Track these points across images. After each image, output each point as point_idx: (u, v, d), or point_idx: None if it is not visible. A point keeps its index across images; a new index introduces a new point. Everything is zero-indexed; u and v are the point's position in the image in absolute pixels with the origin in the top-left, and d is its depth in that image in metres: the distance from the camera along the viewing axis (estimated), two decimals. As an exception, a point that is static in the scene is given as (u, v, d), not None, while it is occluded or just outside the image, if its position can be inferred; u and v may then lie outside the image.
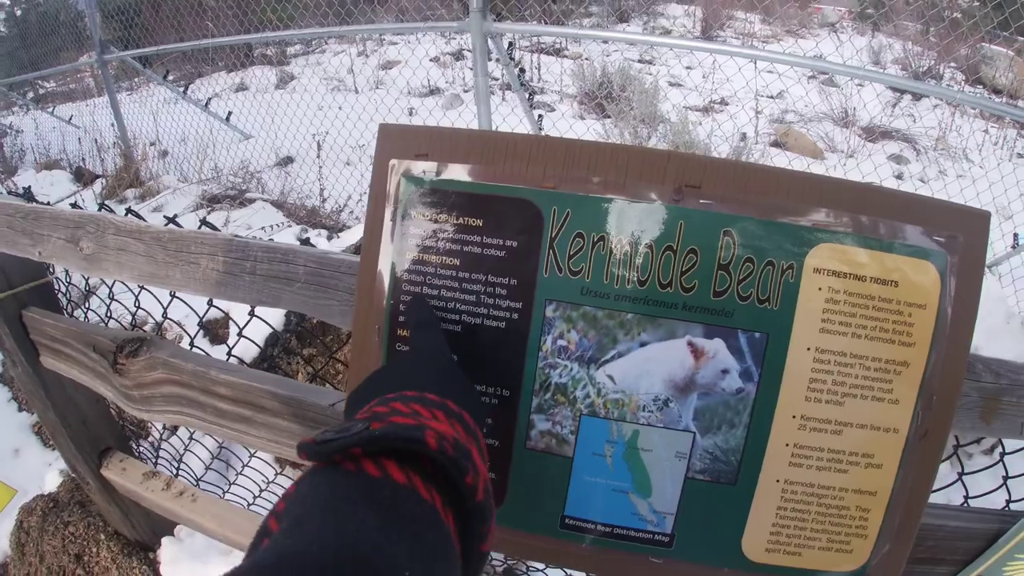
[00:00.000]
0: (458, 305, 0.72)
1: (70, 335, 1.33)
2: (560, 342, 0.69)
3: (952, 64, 5.89)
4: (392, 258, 0.75)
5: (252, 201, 3.87)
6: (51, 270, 1.56)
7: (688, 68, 6.47)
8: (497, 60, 3.27)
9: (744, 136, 4.52)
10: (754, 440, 0.66)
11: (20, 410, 2.60)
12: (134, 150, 4.99)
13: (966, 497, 1.04)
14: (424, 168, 0.74)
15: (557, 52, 6.91)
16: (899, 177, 4.41)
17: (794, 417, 0.66)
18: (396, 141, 0.76)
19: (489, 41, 2.97)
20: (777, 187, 0.64)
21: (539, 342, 0.69)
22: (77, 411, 1.58)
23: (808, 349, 0.64)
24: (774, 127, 5.02)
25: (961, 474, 1.05)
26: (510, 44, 3.35)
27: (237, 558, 1.67)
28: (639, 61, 6.69)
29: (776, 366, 0.65)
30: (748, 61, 3.74)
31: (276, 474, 1.83)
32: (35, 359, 1.45)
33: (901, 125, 5.11)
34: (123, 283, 1.47)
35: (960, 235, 0.65)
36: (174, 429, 2.15)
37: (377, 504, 0.42)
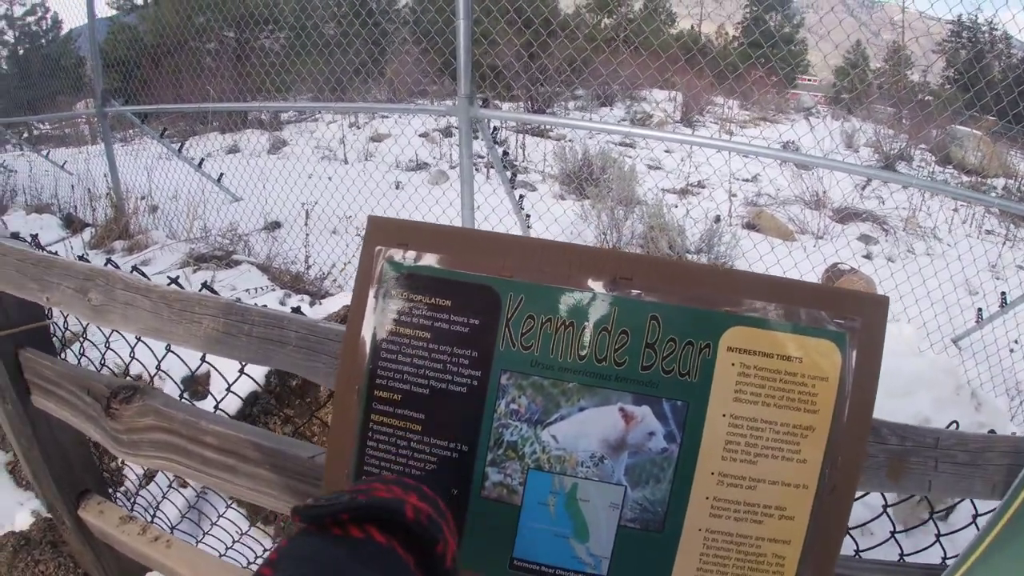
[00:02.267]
0: (427, 372, 0.84)
1: (65, 378, 1.43)
2: (512, 406, 0.81)
3: (922, 146, 6.25)
4: (373, 328, 0.88)
5: (238, 263, 4.00)
6: (49, 314, 1.66)
7: (667, 152, 6.84)
8: (483, 141, 3.49)
9: (718, 218, 4.77)
10: (677, 493, 0.77)
11: (-5, 449, 2.65)
12: (125, 203, 5.14)
13: (901, 555, 1.15)
14: (404, 255, 0.88)
15: (542, 133, 7.26)
16: (867, 256, 4.64)
17: (712, 474, 0.77)
18: (382, 231, 0.90)
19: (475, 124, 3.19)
20: (697, 280, 0.78)
21: (494, 405, 0.81)
22: (60, 451, 1.66)
23: (724, 415, 0.76)
24: (747, 209, 5.30)
25: (893, 532, 1.16)
26: (495, 128, 3.58)
27: (207, 611, 1.72)
28: (620, 144, 7.06)
29: (696, 429, 0.77)
30: (728, 152, 4.01)
31: (250, 526, 1.88)
32: (26, 397, 1.54)
33: (871, 206, 5.41)
34: (118, 332, 1.57)
35: (859, 318, 0.77)
36: (150, 477, 2.20)
37: (361, 558, 0.52)
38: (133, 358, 1.62)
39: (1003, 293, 3.53)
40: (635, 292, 0.78)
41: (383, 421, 0.87)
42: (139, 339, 1.48)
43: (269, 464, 1.14)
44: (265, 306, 1.14)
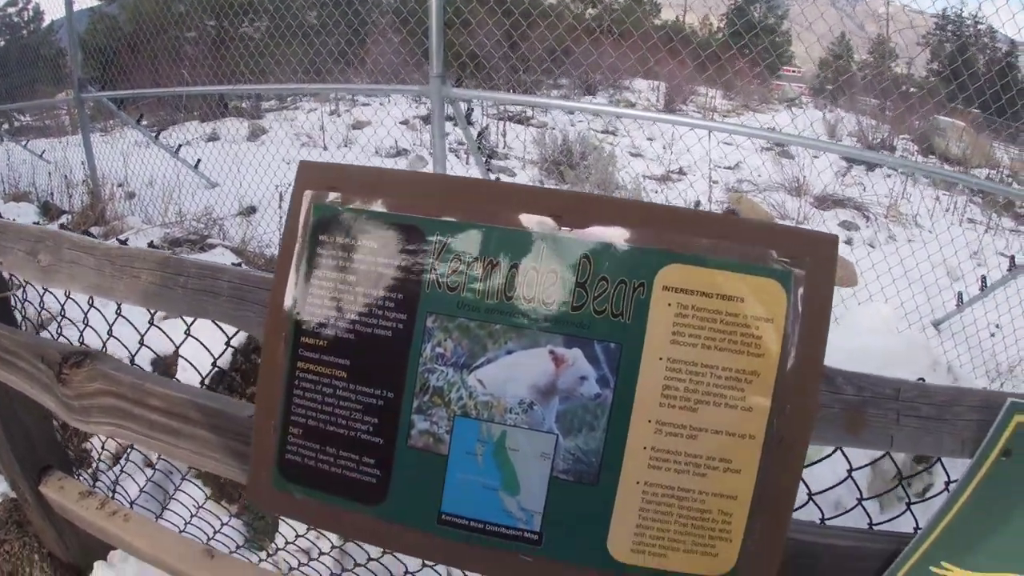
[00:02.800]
0: (352, 316, 0.79)
1: (21, 346, 1.37)
2: (438, 349, 0.75)
3: (905, 136, 6.25)
4: (301, 273, 0.83)
5: (213, 247, 3.96)
6: (12, 287, 1.60)
7: (650, 139, 6.81)
8: (456, 124, 3.45)
9: (698, 203, 4.74)
10: (612, 443, 0.72)
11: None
12: (102, 189, 5.08)
13: (870, 524, 1.10)
14: (332, 197, 0.83)
15: (525, 120, 7.22)
16: (848, 242, 4.63)
17: (650, 422, 0.71)
18: (311, 175, 0.86)
19: (449, 106, 3.14)
20: (631, 216, 0.73)
21: (420, 349, 0.76)
22: (22, 428, 1.61)
23: (660, 359, 0.71)
24: (728, 195, 5.27)
25: (860, 499, 1.11)
26: (470, 109, 3.54)
27: (167, 589, 1.67)
28: (602, 131, 7.02)
29: (631, 374, 0.71)
30: (707, 133, 3.97)
31: (206, 499, 1.84)
32: (-16, 369, 1.48)
33: (853, 194, 5.39)
34: (98, 310, 1.52)
35: (808, 257, 0.71)
36: (117, 457, 2.15)
37: None
38: (111, 336, 1.56)
39: (983, 276, 3.51)
40: (565, 230, 0.73)
41: (309, 368, 0.82)
42: (91, 305, 1.43)
43: (210, 425, 1.09)
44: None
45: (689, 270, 0.71)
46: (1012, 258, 3.42)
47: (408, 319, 0.77)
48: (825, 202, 5.07)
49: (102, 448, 2.06)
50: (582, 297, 0.72)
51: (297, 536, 1.63)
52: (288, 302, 0.83)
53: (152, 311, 1.34)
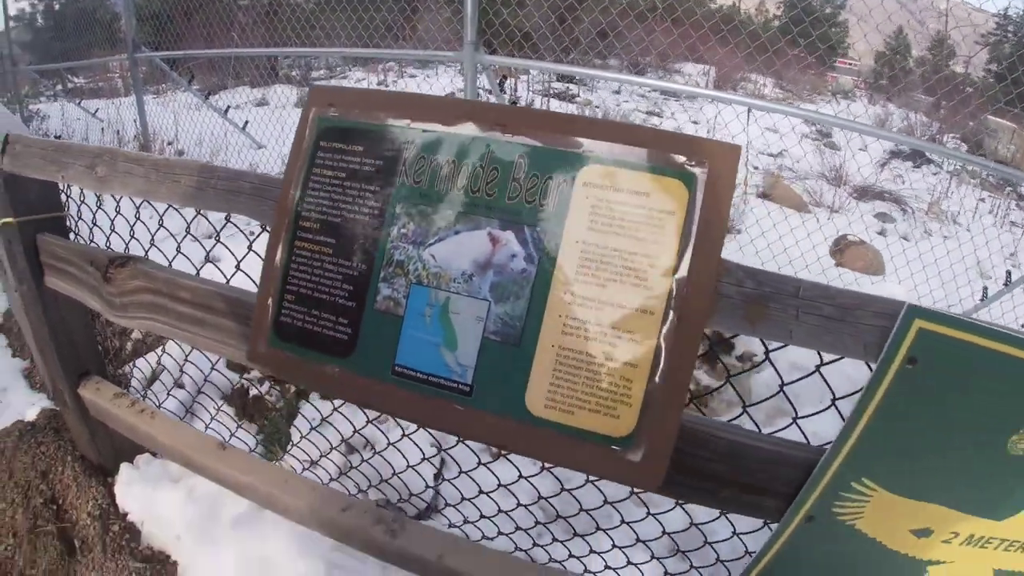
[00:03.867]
0: (340, 204, 1.02)
1: (74, 254, 1.65)
2: (403, 230, 0.97)
3: (955, 135, 6.19)
4: (304, 171, 1.06)
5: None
6: (67, 206, 1.87)
7: (694, 123, 6.88)
8: (489, 92, 3.65)
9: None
10: (534, 310, 0.91)
11: (14, 356, 2.94)
12: (152, 145, 5.46)
13: (794, 417, 1.20)
14: (331, 113, 1.06)
15: (571, 98, 7.39)
16: (881, 233, 4.67)
17: (566, 294, 0.90)
18: (318, 96, 1.09)
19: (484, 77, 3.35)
20: (558, 125, 0.93)
21: (389, 231, 0.98)
22: (67, 332, 1.88)
23: (577, 242, 0.89)
24: (763, 178, 5.35)
25: (744, 408, 1.25)
26: (504, 77, 3.72)
27: (183, 487, 1.95)
28: (647, 112, 7.14)
29: (551, 254, 0.90)
30: (750, 119, 4.08)
31: (220, 407, 2.10)
32: (40, 279, 1.75)
33: (893, 188, 5.40)
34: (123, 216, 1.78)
35: (708, 160, 0.88)
36: (150, 382, 2.44)
37: None
38: (132, 236, 1.81)
39: (1008, 271, 3.52)
40: (507, 135, 0.94)
41: (303, 248, 1.04)
42: (161, 224, 1.69)
43: (232, 313, 1.32)
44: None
45: (605, 170, 0.90)
46: (1008, 272, 3.45)
47: (381, 206, 0.98)
48: (865, 193, 5.10)
49: (132, 363, 2.33)
50: (516, 190, 0.92)
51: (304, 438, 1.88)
52: (293, 196, 1.06)
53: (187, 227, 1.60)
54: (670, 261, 0.88)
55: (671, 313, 0.89)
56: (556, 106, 6.85)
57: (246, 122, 5.81)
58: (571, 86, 7.69)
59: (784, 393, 1.23)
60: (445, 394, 0.96)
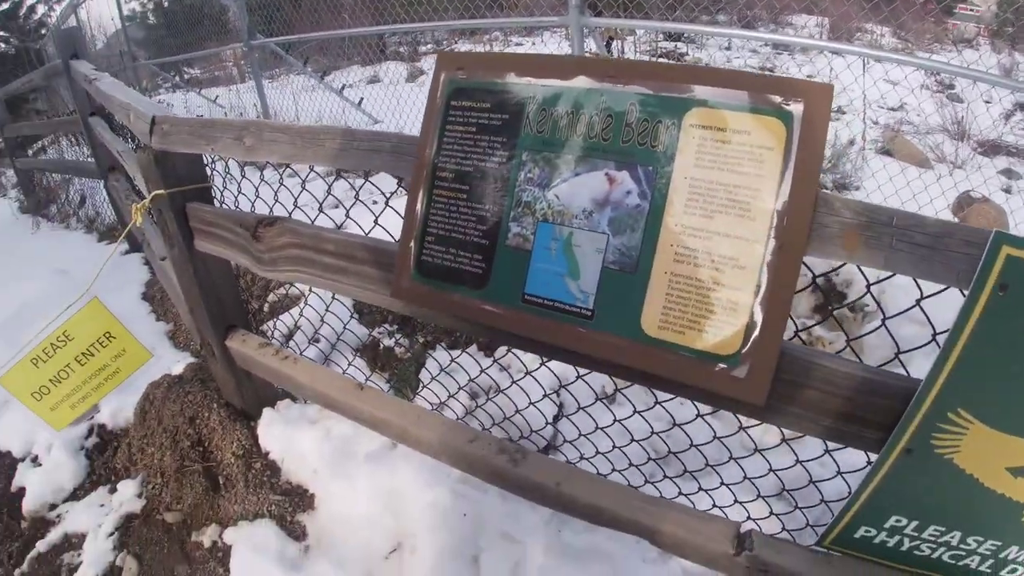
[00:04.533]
0: (472, 155, 1.19)
1: (222, 217, 1.93)
2: (529, 175, 1.14)
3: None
4: (437, 129, 1.24)
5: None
6: (212, 176, 2.15)
7: (810, 77, 6.66)
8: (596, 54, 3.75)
9: (852, 141, 4.70)
10: (648, 241, 1.06)
11: (157, 320, 3.39)
12: (274, 125, 5.93)
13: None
14: (460, 75, 1.23)
15: (679, 57, 7.33)
16: (1007, 190, 4.43)
17: (677, 225, 1.05)
18: (446, 61, 1.28)
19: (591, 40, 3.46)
20: (664, 73, 1.06)
21: (517, 176, 1.15)
22: (215, 290, 2.19)
23: (685, 178, 1.04)
24: (882, 134, 5.14)
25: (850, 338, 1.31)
26: (610, 38, 3.79)
27: (320, 428, 2.22)
28: (760, 68, 6.98)
29: (663, 190, 1.05)
30: (869, 72, 3.95)
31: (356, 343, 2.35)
32: (190, 242, 2.06)
33: (1022, 143, 5.05)
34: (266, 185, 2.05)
35: (803, 99, 0.98)
36: (289, 336, 2.74)
37: None
38: (276, 200, 2.08)
39: None
40: (618, 86, 1.08)
41: (441, 194, 1.24)
42: (303, 187, 1.95)
43: (372, 261, 1.54)
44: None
45: (709, 112, 1.03)
46: None
47: (509, 155, 1.16)
48: (990, 148, 4.82)
49: (275, 324, 2.64)
50: (629, 134, 1.07)
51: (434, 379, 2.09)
52: (430, 151, 1.25)
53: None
54: (771, 193, 1.00)
55: (772, 241, 1.00)
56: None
57: (361, 99, 6.22)
58: (679, 44, 7.64)
59: (887, 328, 1.29)
60: (569, 318, 1.13)
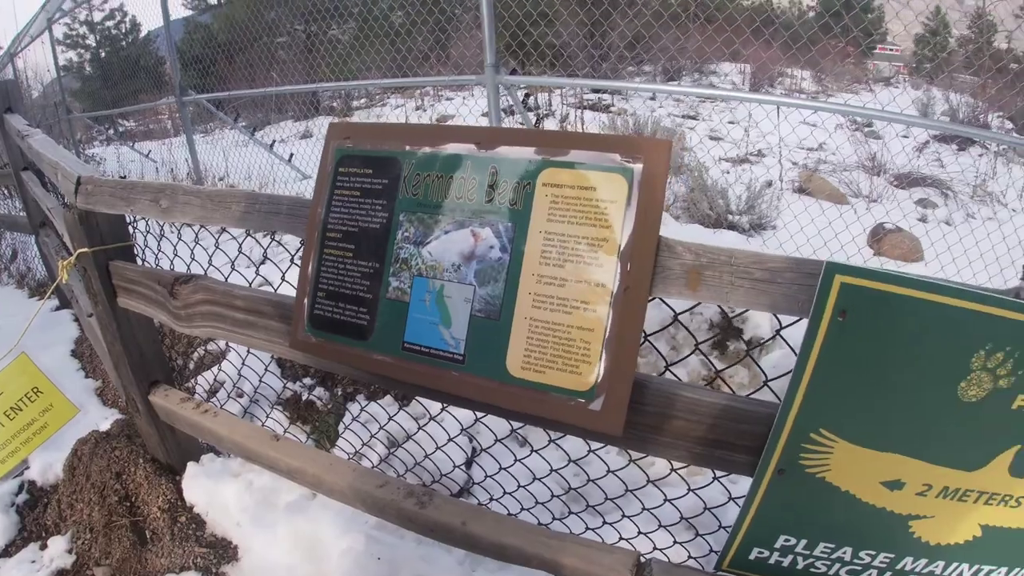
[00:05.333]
0: (357, 216, 1.33)
1: (142, 275, 2.01)
2: (405, 234, 1.27)
3: (1001, 114, 6.19)
4: (327, 192, 1.38)
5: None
6: (134, 237, 2.24)
7: (732, 123, 7.09)
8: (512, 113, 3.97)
9: (770, 183, 5.02)
10: (509, 290, 1.19)
11: (86, 377, 3.40)
12: (204, 181, 6.03)
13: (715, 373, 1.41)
14: (347, 144, 1.38)
15: (605, 108, 7.71)
16: (922, 220, 4.78)
17: (533, 275, 1.17)
18: (336, 131, 1.41)
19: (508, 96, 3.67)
20: (520, 139, 1.21)
21: (395, 235, 1.28)
22: (138, 345, 2.25)
23: (540, 232, 1.17)
24: (798, 173, 5.50)
25: (697, 344, 1.46)
26: (527, 94, 4.02)
27: (243, 480, 2.28)
28: (683, 116, 7.39)
29: (521, 243, 1.18)
30: (789, 115, 4.26)
31: (275, 396, 2.43)
32: (113, 300, 2.13)
33: (936, 173, 5.47)
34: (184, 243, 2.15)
35: (643, 155, 1.12)
36: (213, 392, 2.80)
37: None
38: (193, 259, 2.17)
39: None
40: (484, 150, 1.23)
41: (330, 252, 1.36)
42: (216, 246, 2.06)
43: (277, 315, 1.64)
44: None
45: (559, 171, 1.17)
46: None
47: (389, 216, 1.29)
48: (905, 180, 5.20)
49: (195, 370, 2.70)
50: (491, 194, 1.21)
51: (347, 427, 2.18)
52: (321, 213, 1.38)
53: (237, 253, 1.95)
54: (616, 242, 1.13)
55: (619, 285, 1.13)
56: (590, 117, 7.16)
57: (291, 155, 6.36)
58: (605, 96, 8.03)
59: (751, 357, 1.45)
60: (443, 363, 1.25)
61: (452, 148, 1.26)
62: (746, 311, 2.16)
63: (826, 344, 0.99)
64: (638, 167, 1.12)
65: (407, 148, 1.29)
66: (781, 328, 1.32)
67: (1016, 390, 0.96)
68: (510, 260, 1.20)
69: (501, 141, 1.22)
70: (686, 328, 1.43)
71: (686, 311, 1.41)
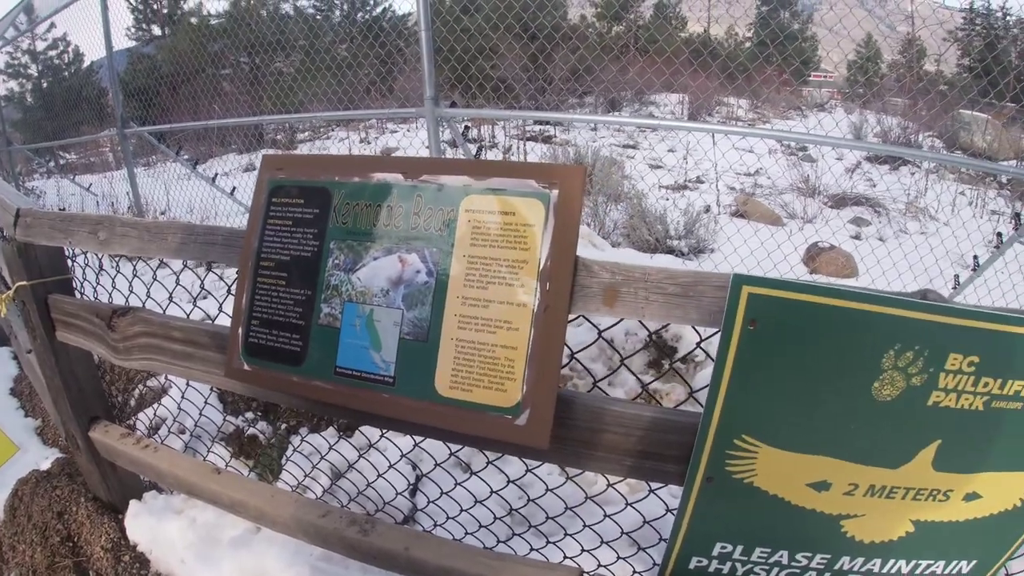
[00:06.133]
0: (289, 245, 1.38)
1: (80, 308, 2.02)
2: (336, 261, 1.32)
3: (931, 133, 6.57)
4: (261, 222, 1.43)
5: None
6: (72, 269, 2.25)
7: (671, 151, 7.36)
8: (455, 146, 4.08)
9: (708, 208, 5.24)
10: (435, 313, 1.25)
11: (26, 416, 3.33)
12: (146, 215, 5.97)
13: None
14: (280, 175, 1.43)
15: (547, 139, 7.93)
16: (856, 237, 5.03)
17: (458, 297, 1.23)
18: (269, 163, 1.47)
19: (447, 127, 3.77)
20: (443, 168, 1.28)
21: (326, 262, 1.34)
22: (77, 381, 2.24)
23: (464, 256, 1.23)
24: (735, 198, 5.75)
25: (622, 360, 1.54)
26: (466, 127, 4.14)
27: (186, 517, 2.28)
28: (624, 146, 7.65)
29: (446, 267, 1.24)
30: (728, 142, 4.47)
31: (217, 431, 2.43)
32: (52, 334, 2.12)
33: (870, 192, 5.77)
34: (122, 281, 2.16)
35: (559, 181, 1.20)
36: (155, 429, 2.79)
37: None
38: (132, 291, 2.18)
39: (975, 256, 3.79)
40: (407, 180, 1.30)
41: (264, 281, 1.41)
42: (155, 278, 2.07)
43: (215, 345, 1.67)
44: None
45: (481, 198, 1.24)
46: (999, 235, 3.66)
47: (320, 244, 1.35)
48: (840, 201, 5.48)
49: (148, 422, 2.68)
50: (416, 221, 1.28)
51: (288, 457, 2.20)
52: (255, 243, 1.43)
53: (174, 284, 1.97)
54: (535, 263, 1.20)
55: (539, 304, 1.20)
56: (532, 148, 7.34)
57: (233, 188, 6.32)
58: (548, 128, 8.25)
59: (676, 371, 1.55)
60: (374, 386, 1.30)
61: (380, 178, 1.32)
62: (667, 326, 2.24)
63: (739, 352, 1.04)
64: (554, 192, 1.20)
65: (337, 179, 1.36)
66: (701, 340, 1.42)
67: (930, 387, 1.02)
68: (436, 284, 1.26)
69: (426, 171, 1.29)
70: (610, 344, 1.51)
71: (608, 328, 1.49)
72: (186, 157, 6.87)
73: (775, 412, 1.07)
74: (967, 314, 1.00)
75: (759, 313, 1.01)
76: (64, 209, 7.14)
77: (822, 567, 1.22)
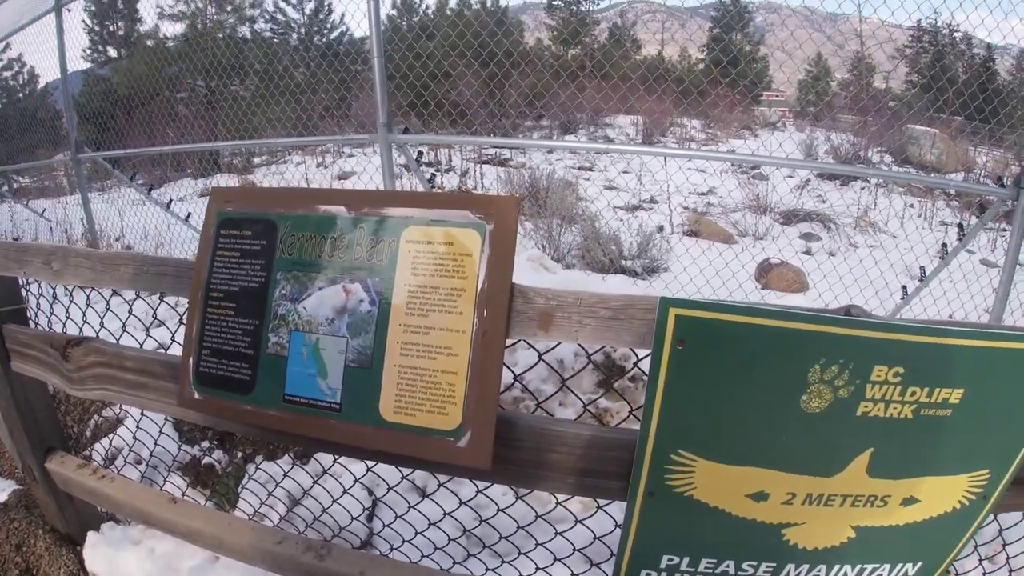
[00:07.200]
0: (238, 276, 1.44)
1: (35, 339, 2.04)
2: (282, 291, 1.39)
3: (880, 148, 6.84)
4: (210, 254, 1.49)
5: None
6: (27, 299, 2.27)
7: (625, 172, 7.56)
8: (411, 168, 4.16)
9: (661, 228, 5.40)
10: (379, 340, 1.31)
11: (-19, 448, 3.30)
12: (100, 242, 5.93)
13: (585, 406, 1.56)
14: (228, 207, 1.50)
15: (503, 163, 8.09)
16: (807, 252, 5.23)
17: (400, 325, 1.30)
18: (218, 195, 1.53)
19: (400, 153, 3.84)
20: (384, 201, 1.36)
21: (273, 293, 1.40)
22: (32, 411, 2.25)
23: (405, 285, 1.30)
24: (687, 217, 5.94)
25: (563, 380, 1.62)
26: (420, 152, 4.23)
27: (144, 548, 2.29)
28: (579, 168, 7.84)
29: (388, 296, 1.31)
30: (681, 164, 4.62)
31: (173, 460, 2.45)
32: (7, 364, 2.14)
33: (821, 208, 6.00)
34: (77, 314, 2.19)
35: (495, 211, 1.27)
36: (111, 460, 2.79)
37: None
38: (86, 321, 2.21)
39: (921, 267, 3.96)
40: (351, 212, 1.37)
41: (213, 311, 1.46)
42: (108, 308, 2.10)
43: (168, 375, 1.71)
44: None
45: (420, 229, 1.31)
46: (944, 246, 3.84)
47: (267, 275, 1.41)
48: (791, 217, 5.69)
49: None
50: (360, 252, 1.35)
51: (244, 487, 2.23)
52: (204, 274, 1.49)
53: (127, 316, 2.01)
54: (472, 291, 1.27)
55: (477, 330, 1.27)
56: (488, 171, 7.49)
57: (188, 214, 6.30)
58: (504, 151, 8.41)
59: (614, 389, 1.63)
60: (322, 412, 1.36)
61: (324, 210, 1.39)
62: (603, 346, 2.33)
63: (670, 371, 1.10)
64: (489, 222, 1.27)
65: (283, 211, 1.42)
66: (639, 360, 1.50)
67: (857, 398, 1.08)
68: (379, 312, 1.32)
69: (368, 203, 1.37)
70: (550, 367, 1.59)
71: (550, 350, 1.57)
72: (141, 182, 6.84)
73: (708, 427, 1.12)
74: (889, 327, 1.07)
75: (686, 333, 1.07)
76: (18, 237, 7.07)
77: (769, 574, 1.27)
